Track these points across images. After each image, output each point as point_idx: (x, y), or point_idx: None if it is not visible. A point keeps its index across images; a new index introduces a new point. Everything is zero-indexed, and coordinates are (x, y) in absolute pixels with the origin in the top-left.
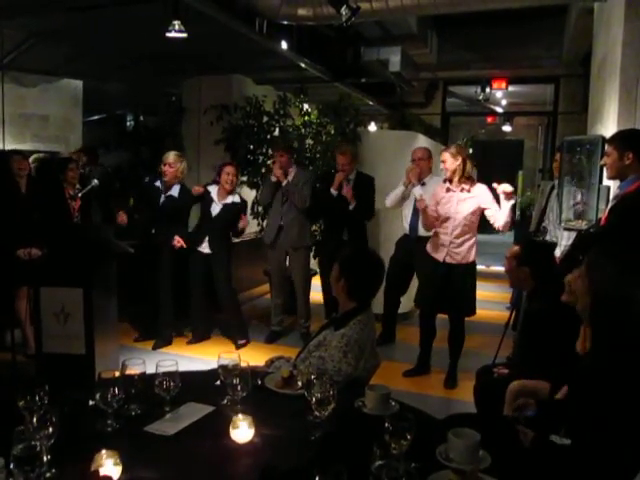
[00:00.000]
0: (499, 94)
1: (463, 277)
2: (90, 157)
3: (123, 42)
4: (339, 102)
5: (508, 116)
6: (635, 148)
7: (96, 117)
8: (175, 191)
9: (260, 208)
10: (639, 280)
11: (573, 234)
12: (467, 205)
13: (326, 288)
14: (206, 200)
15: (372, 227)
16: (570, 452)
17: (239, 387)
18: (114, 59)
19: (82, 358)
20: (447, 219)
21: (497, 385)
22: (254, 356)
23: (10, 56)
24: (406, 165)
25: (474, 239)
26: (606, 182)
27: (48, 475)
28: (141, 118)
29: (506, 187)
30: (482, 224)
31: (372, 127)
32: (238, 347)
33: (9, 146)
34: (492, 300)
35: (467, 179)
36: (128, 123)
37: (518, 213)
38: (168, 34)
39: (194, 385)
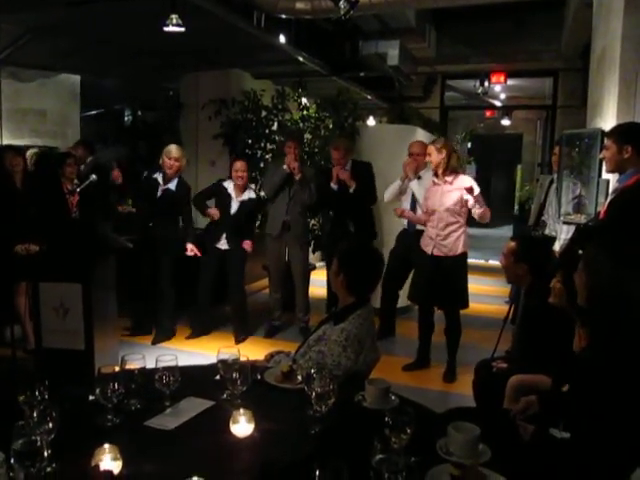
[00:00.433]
0: (498, 88)
1: (452, 270)
2: (87, 151)
3: (121, 37)
4: (337, 96)
5: (507, 110)
6: (634, 141)
7: (94, 112)
8: (173, 184)
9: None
10: (638, 274)
11: (572, 228)
12: (450, 197)
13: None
14: (223, 196)
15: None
16: (569, 446)
17: (239, 382)
18: (112, 54)
19: (81, 353)
20: (433, 212)
21: (496, 379)
22: (253, 351)
23: (7, 51)
24: (405, 159)
25: (461, 230)
26: (605, 175)
27: (48, 470)
28: (139, 113)
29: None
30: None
31: (371, 121)
32: (238, 342)
33: (6, 141)
34: (491, 294)
35: (451, 172)
36: (126, 118)
37: (517, 207)
38: (166, 28)
39: (194, 380)
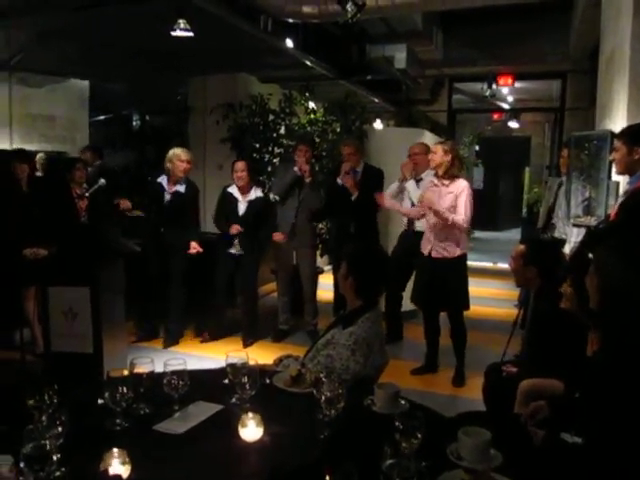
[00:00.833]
0: (505, 90)
1: (450, 271)
2: (94, 156)
3: (129, 42)
4: (345, 100)
5: (515, 112)
6: None
7: (102, 117)
8: (182, 187)
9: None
10: None
11: (582, 230)
12: (445, 200)
13: (337, 284)
14: (229, 202)
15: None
16: (581, 451)
17: (248, 386)
18: (120, 59)
19: (90, 357)
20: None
21: (506, 383)
22: (262, 354)
23: (17, 57)
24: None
25: (459, 233)
26: (615, 177)
27: (57, 474)
28: (147, 118)
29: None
30: (486, 222)
31: (378, 124)
32: (246, 346)
33: (16, 147)
34: (500, 297)
35: (450, 176)
36: (134, 123)
37: (525, 210)
38: (173, 33)
39: (203, 384)
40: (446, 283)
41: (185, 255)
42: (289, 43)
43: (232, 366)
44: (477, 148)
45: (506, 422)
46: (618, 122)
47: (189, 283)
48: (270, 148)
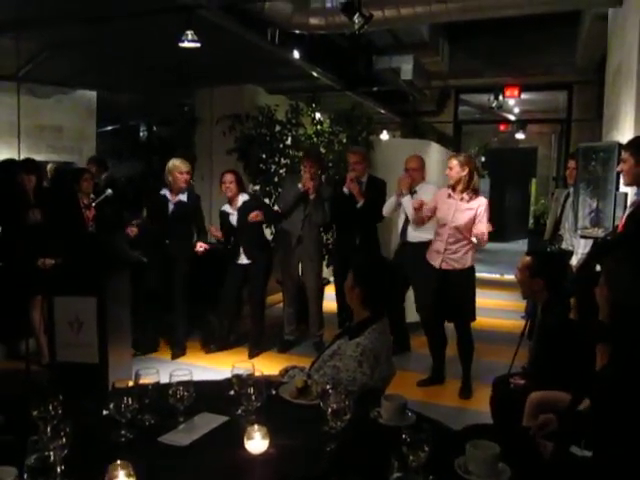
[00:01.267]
0: (512, 102)
1: (460, 283)
2: (99, 168)
3: (137, 53)
4: (351, 111)
5: (521, 124)
6: None
7: (110, 128)
8: (184, 196)
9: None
10: None
11: (590, 242)
12: (463, 216)
13: (340, 295)
14: (225, 218)
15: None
16: (591, 464)
17: (253, 397)
18: (127, 70)
19: (96, 367)
20: (443, 225)
21: (514, 396)
22: (267, 365)
23: (26, 68)
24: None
25: (470, 245)
26: (623, 188)
27: None
28: (154, 129)
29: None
30: (492, 233)
31: (384, 135)
32: (251, 356)
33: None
34: (506, 309)
35: (471, 192)
36: (141, 134)
37: (532, 221)
38: (181, 44)
39: (208, 395)
40: (455, 294)
41: (189, 266)
42: (296, 54)
43: (238, 377)
44: (483, 159)
45: (514, 435)
46: (625, 134)
47: (195, 294)
48: (277, 159)
